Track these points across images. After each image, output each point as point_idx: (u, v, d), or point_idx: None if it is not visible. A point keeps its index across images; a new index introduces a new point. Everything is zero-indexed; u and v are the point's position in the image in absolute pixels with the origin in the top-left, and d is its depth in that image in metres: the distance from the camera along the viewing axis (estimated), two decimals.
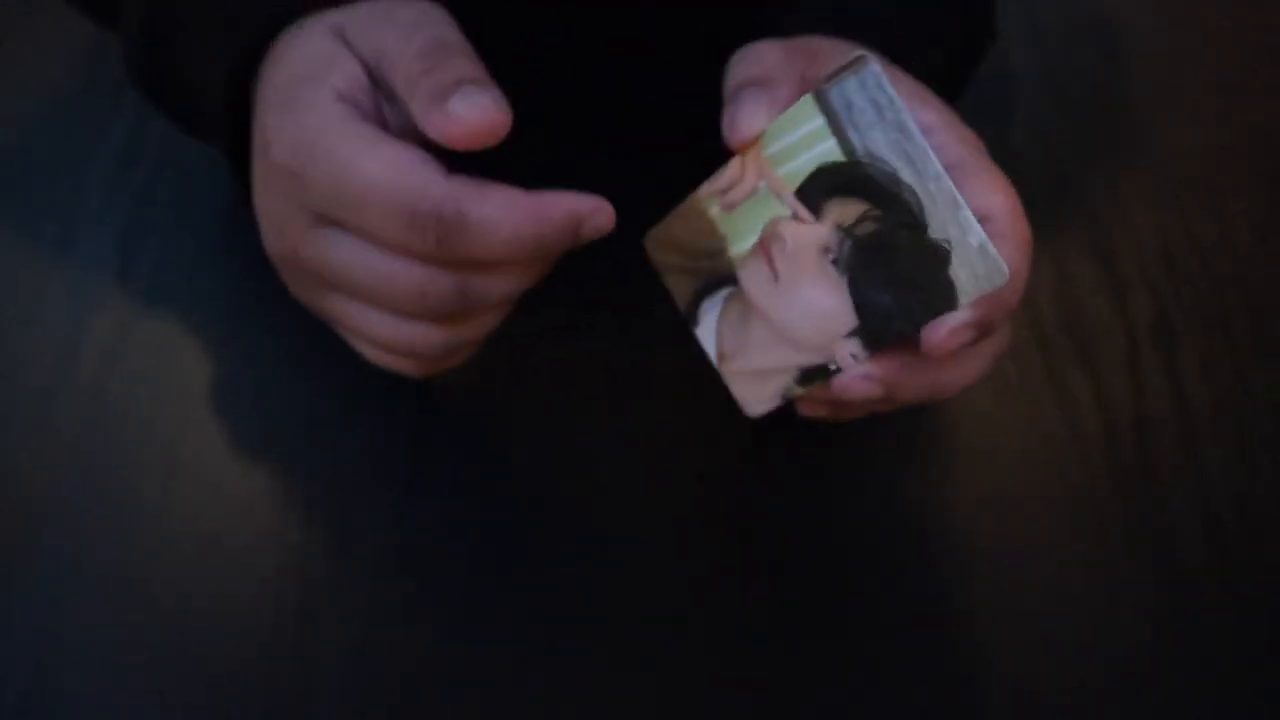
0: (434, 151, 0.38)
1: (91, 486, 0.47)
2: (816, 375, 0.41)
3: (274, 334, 0.52)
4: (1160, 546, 0.47)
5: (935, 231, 0.38)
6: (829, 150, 0.39)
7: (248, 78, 0.44)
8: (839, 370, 0.40)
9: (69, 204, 0.56)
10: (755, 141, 0.40)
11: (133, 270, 0.54)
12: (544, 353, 0.51)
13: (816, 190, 0.40)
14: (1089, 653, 0.45)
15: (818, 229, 0.40)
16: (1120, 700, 0.44)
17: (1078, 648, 0.45)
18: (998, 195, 0.39)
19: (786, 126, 0.40)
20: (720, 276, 0.42)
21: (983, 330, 0.38)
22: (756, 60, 0.41)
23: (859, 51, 0.39)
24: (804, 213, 0.40)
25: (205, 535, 0.46)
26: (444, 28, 0.39)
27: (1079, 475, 0.49)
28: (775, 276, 0.41)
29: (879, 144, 0.38)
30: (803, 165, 0.40)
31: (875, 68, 0.38)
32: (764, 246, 0.41)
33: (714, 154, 0.42)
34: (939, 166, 0.37)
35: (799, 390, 0.41)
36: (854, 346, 0.40)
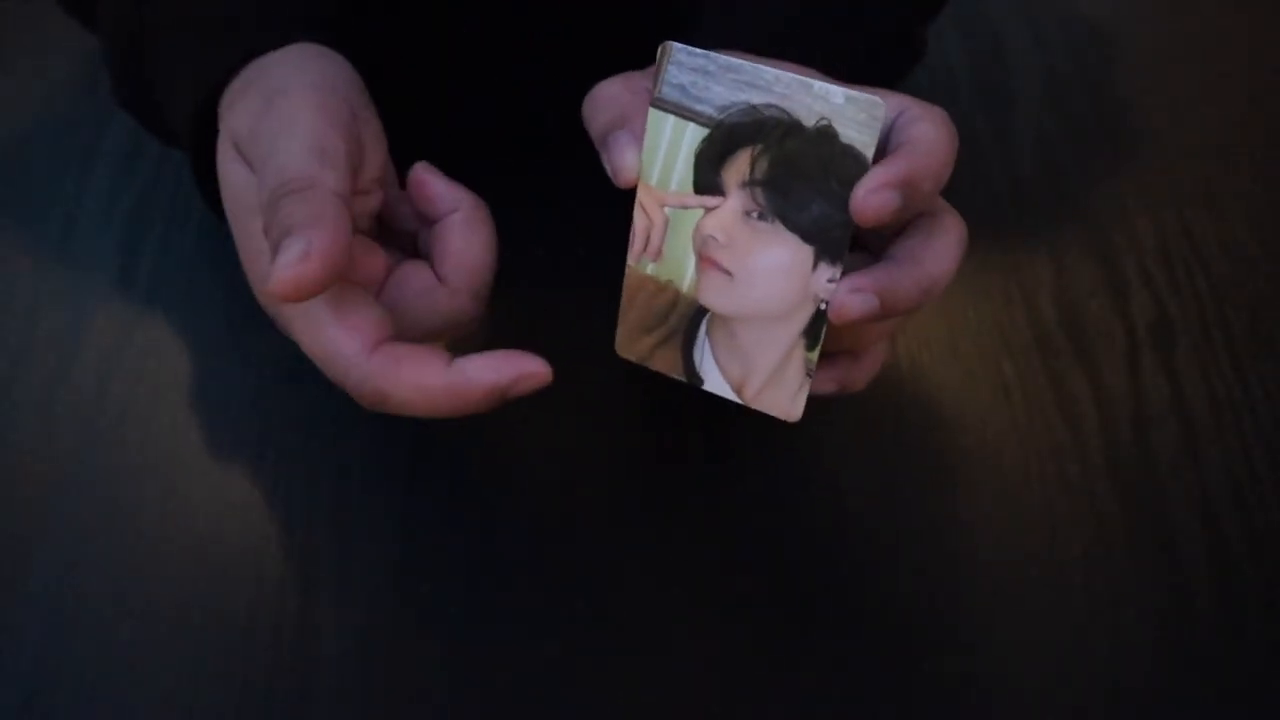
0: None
1: (91, 487, 0.47)
2: (818, 326, 0.41)
3: (274, 334, 0.52)
4: (1160, 546, 0.47)
5: (808, 119, 0.39)
6: (694, 135, 0.41)
7: (213, 106, 0.44)
8: (828, 305, 0.40)
9: (69, 204, 0.56)
10: (637, 180, 0.42)
11: (133, 270, 0.54)
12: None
13: (707, 174, 0.41)
14: (1089, 653, 0.45)
15: (730, 202, 0.41)
16: (1120, 700, 0.44)
17: (1078, 648, 0.45)
18: (890, 96, 0.40)
19: (651, 147, 0.41)
20: (691, 318, 0.42)
21: (908, 190, 0.38)
22: (606, 105, 0.43)
23: (661, 44, 0.40)
24: (712, 201, 0.41)
25: (205, 536, 0.46)
26: (290, 144, 0.39)
27: (1079, 475, 0.49)
28: (728, 273, 0.41)
29: (721, 95, 0.40)
30: (685, 165, 0.41)
31: (679, 44, 0.40)
32: (703, 257, 0.41)
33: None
34: (772, 69, 0.39)
35: (814, 356, 0.41)
36: (826, 272, 0.40)
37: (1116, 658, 0.45)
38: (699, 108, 0.40)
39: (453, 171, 0.44)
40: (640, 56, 0.44)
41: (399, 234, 0.45)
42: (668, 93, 0.40)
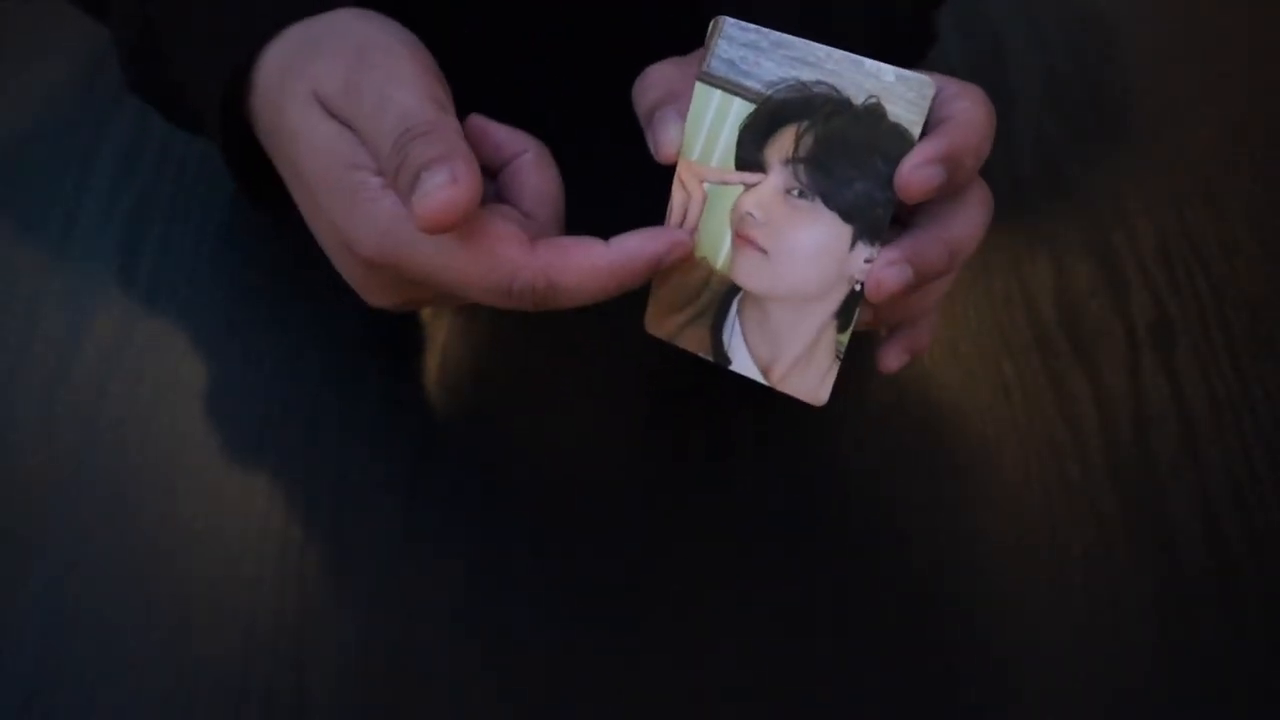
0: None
1: (91, 487, 0.47)
2: (850, 307, 0.41)
3: (274, 334, 0.52)
4: (1160, 546, 0.47)
5: (856, 96, 0.40)
6: (740, 110, 0.41)
7: (241, 89, 0.44)
8: (863, 288, 0.40)
9: (69, 204, 0.56)
10: (679, 155, 0.42)
11: (133, 270, 0.54)
12: (545, 355, 0.51)
13: (750, 150, 0.41)
14: (1089, 652, 0.45)
15: (771, 179, 0.41)
16: (1120, 700, 0.44)
17: (1078, 647, 0.45)
18: (933, 76, 0.41)
19: (696, 121, 0.41)
20: (723, 296, 0.42)
21: (951, 165, 0.39)
22: (654, 84, 0.43)
23: (714, 18, 0.40)
24: (752, 178, 0.41)
25: (205, 535, 0.46)
26: (405, 94, 0.40)
27: (1079, 475, 0.49)
28: (764, 251, 0.41)
29: (771, 70, 0.40)
30: (728, 141, 0.41)
31: (731, 19, 0.40)
32: (740, 234, 0.42)
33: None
34: (823, 47, 0.40)
35: (845, 337, 0.41)
36: (863, 252, 0.40)
37: (1116, 658, 0.45)
38: (747, 83, 0.40)
39: None
40: (641, 57, 0.44)
41: None
42: (716, 67, 0.41)
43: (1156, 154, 0.61)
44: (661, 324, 0.44)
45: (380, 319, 0.50)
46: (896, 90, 0.39)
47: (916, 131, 0.39)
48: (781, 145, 0.41)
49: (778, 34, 0.40)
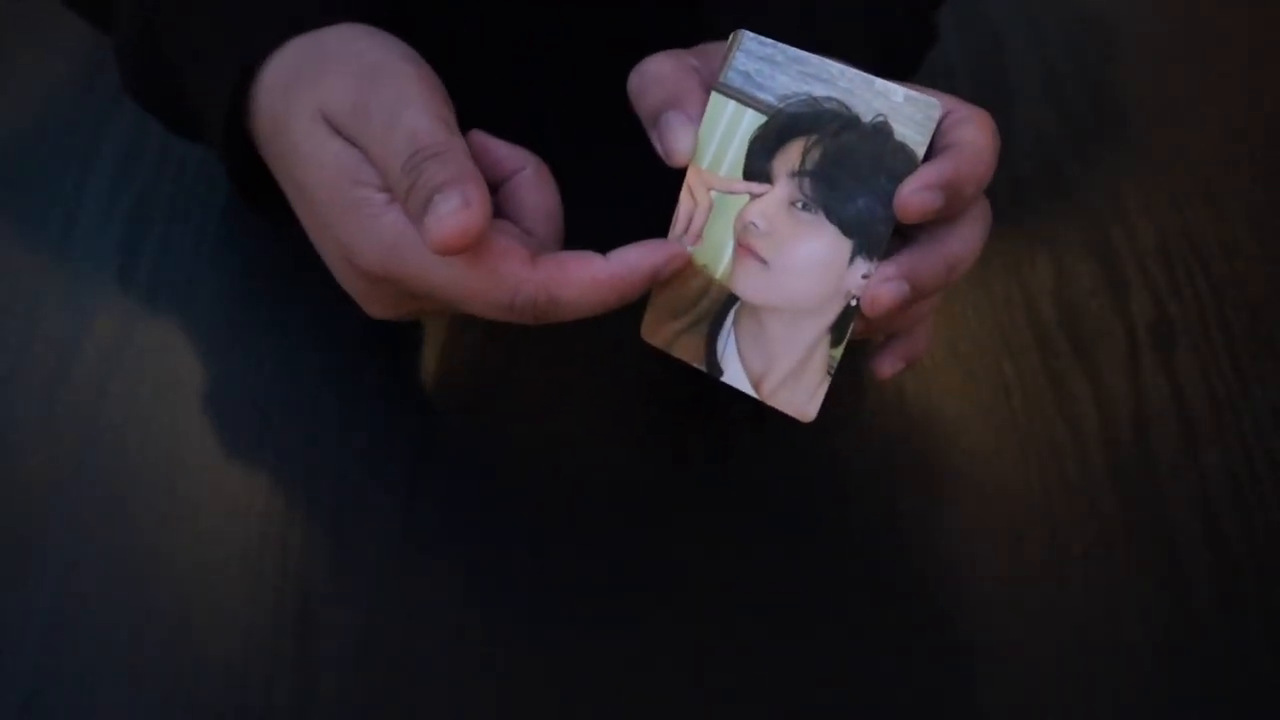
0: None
1: (91, 487, 0.47)
2: (845, 322, 0.41)
3: (274, 334, 0.52)
4: (1160, 546, 0.47)
5: (866, 114, 0.40)
6: (751, 122, 0.41)
7: (243, 98, 0.44)
8: (859, 303, 0.41)
9: (69, 204, 0.56)
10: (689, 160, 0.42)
11: (133, 270, 0.54)
12: (544, 355, 0.51)
13: (759, 161, 0.42)
14: (1089, 652, 0.45)
15: (776, 190, 0.42)
16: (1120, 700, 0.44)
17: (1078, 647, 0.45)
18: (942, 97, 0.41)
19: (709, 130, 0.42)
20: (720, 306, 0.43)
21: (951, 192, 0.40)
22: (656, 83, 0.43)
23: (733, 31, 0.41)
24: (759, 188, 0.42)
25: (205, 536, 0.46)
26: (415, 114, 0.40)
27: (1079, 475, 0.49)
28: (764, 262, 0.42)
29: (785, 85, 0.41)
30: (738, 151, 0.42)
31: (750, 33, 0.41)
32: (742, 244, 0.42)
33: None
34: (838, 64, 0.40)
35: (838, 353, 0.42)
36: (861, 268, 0.41)
37: (1116, 658, 0.45)
38: (761, 95, 0.41)
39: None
40: (638, 57, 0.44)
41: None
42: (732, 78, 0.41)
43: (1156, 154, 0.61)
44: (657, 332, 0.44)
45: (380, 321, 0.50)
46: (904, 110, 0.40)
47: (921, 152, 0.40)
48: (789, 158, 0.41)
49: (794, 50, 0.41)
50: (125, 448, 0.48)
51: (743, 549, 0.47)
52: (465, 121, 0.43)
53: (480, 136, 0.44)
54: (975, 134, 0.41)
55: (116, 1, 0.48)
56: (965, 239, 0.42)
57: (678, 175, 0.43)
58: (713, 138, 0.42)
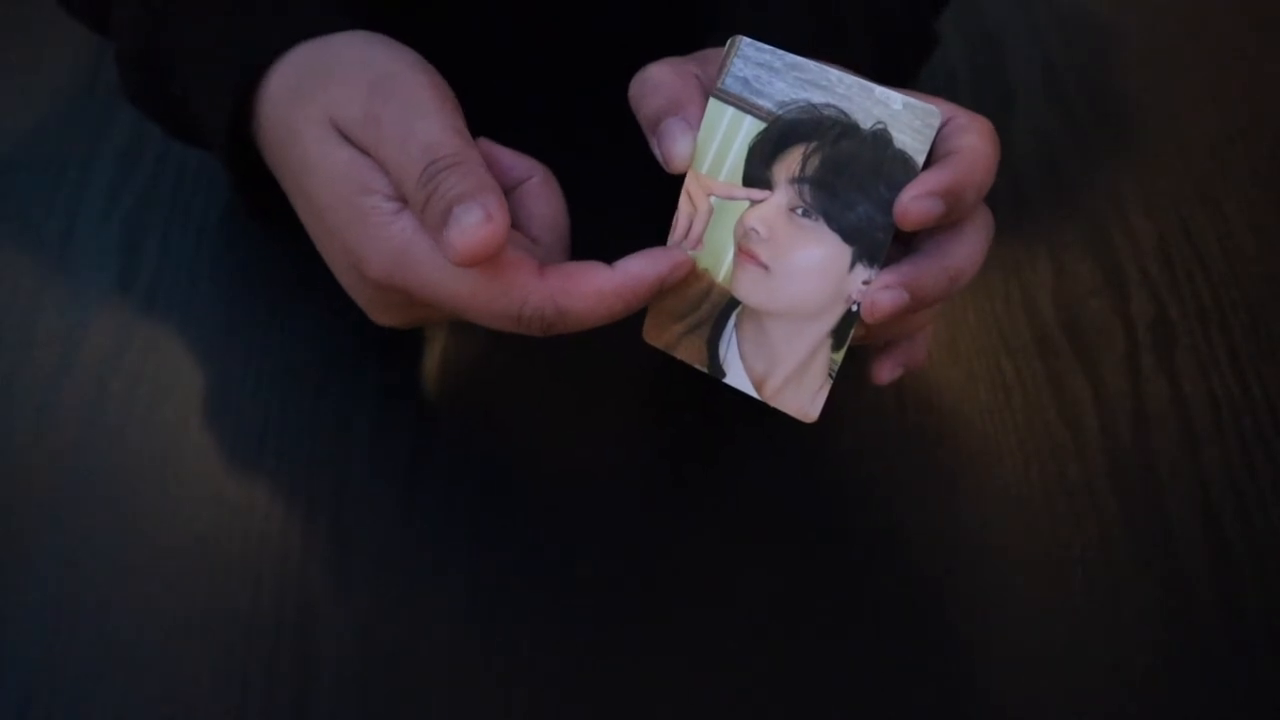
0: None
1: (91, 488, 0.47)
2: (846, 327, 0.42)
3: (274, 334, 0.52)
4: (1160, 546, 0.47)
5: (865, 121, 0.40)
6: (750, 128, 0.41)
7: (247, 104, 0.44)
8: (859, 308, 0.41)
9: (69, 205, 0.56)
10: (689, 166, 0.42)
11: (133, 271, 0.54)
12: (545, 355, 0.51)
13: (758, 167, 0.42)
14: (1089, 653, 0.45)
15: (776, 196, 0.42)
16: (1120, 700, 0.44)
17: (1078, 648, 0.45)
18: (941, 104, 0.42)
19: (707, 136, 0.42)
20: (722, 309, 0.43)
21: (951, 199, 0.40)
22: (656, 89, 0.43)
23: (731, 37, 0.41)
24: (758, 194, 0.42)
25: (205, 536, 0.46)
26: (429, 124, 0.40)
27: (1079, 475, 0.49)
28: (765, 267, 0.42)
29: (783, 91, 0.41)
30: (737, 157, 0.42)
31: (747, 39, 0.41)
32: (743, 250, 0.42)
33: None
34: (837, 70, 0.41)
35: (839, 356, 0.42)
36: (861, 274, 0.41)
37: (1116, 658, 0.45)
38: (759, 101, 0.41)
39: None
40: (637, 59, 0.44)
41: None
42: (730, 84, 0.41)
43: (1156, 154, 0.61)
44: (659, 334, 0.44)
45: None
46: (903, 118, 0.40)
47: (920, 160, 0.40)
48: (789, 164, 0.41)
49: (792, 56, 0.41)
50: (125, 448, 0.48)
51: (743, 548, 0.47)
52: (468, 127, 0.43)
53: (487, 145, 0.44)
54: (975, 141, 0.41)
55: (116, 7, 0.48)
56: (968, 250, 0.42)
57: (677, 181, 0.43)
58: (712, 143, 0.42)
